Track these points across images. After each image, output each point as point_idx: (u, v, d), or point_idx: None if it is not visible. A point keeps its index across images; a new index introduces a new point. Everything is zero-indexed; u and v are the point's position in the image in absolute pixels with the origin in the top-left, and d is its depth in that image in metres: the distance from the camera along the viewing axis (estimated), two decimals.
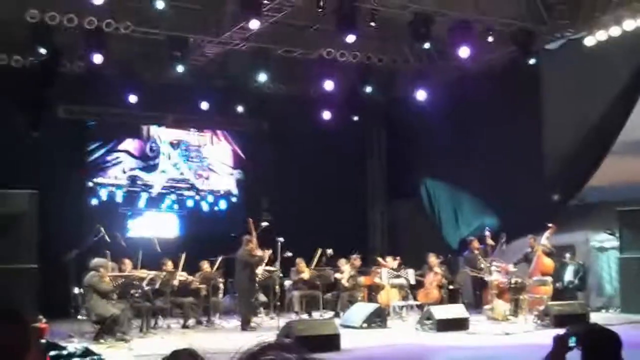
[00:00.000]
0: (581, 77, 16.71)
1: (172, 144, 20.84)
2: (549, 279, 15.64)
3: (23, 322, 2.69)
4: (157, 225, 19.81)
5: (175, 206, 20.79)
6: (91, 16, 14.33)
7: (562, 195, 17.48)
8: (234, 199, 21.22)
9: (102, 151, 19.66)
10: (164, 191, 20.64)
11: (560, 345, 3.91)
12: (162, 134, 20.66)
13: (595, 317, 13.91)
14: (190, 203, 20.91)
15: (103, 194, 19.78)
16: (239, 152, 21.29)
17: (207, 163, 21.31)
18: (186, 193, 20.94)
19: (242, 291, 14.86)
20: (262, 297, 16.16)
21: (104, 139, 19.65)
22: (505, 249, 15.88)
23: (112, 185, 19.99)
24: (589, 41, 15.76)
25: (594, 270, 17.32)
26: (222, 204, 21.32)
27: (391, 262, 17.16)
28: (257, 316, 15.61)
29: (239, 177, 21.32)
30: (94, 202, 19.29)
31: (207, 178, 21.24)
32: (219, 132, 21.28)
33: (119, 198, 19.95)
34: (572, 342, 3.87)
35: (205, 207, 21.06)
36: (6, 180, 14.00)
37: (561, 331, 4.00)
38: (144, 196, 20.34)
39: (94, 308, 12.56)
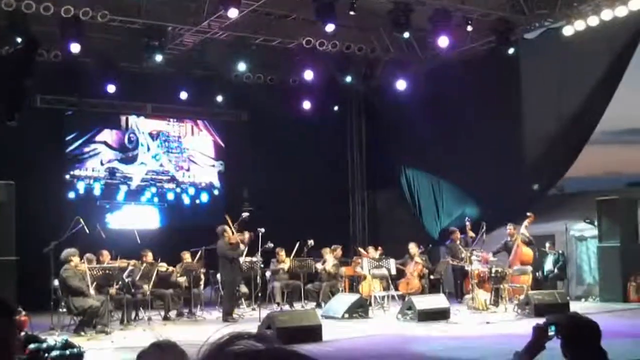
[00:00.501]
0: (560, 66, 16.78)
1: (151, 135, 20.27)
2: (529, 268, 15.72)
3: (12, 313, 2.62)
4: (137, 217, 19.41)
5: (156, 199, 20.20)
6: (68, 4, 14.17)
7: (542, 184, 17.57)
8: (216, 192, 20.79)
9: (79, 142, 19.14)
10: (143, 184, 20.05)
11: (540, 334, 3.91)
12: (141, 125, 20.11)
13: (575, 306, 14.00)
14: (171, 196, 20.38)
15: (80, 186, 19.14)
16: (220, 142, 20.91)
17: (188, 154, 20.77)
18: (167, 185, 20.38)
19: (224, 283, 14.80)
20: (244, 289, 16.12)
21: (80, 130, 19.13)
22: (485, 238, 15.93)
23: (90, 177, 19.36)
24: (568, 31, 15.80)
25: (573, 260, 17.45)
26: (204, 197, 20.82)
27: (373, 252, 17.17)
28: (238, 307, 15.57)
29: (220, 168, 20.88)
30: (71, 195, 18.80)
31: (187, 170, 20.72)
32: (199, 122, 20.83)
33: (97, 191, 19.35)
34: (551, 330, 3.87)
35: (186, 200, 20.58)
36: None
37: (541, 320, 4.00)
38: (123, 189, 19.75)
39: (72, 300, 12.48)
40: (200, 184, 20.84)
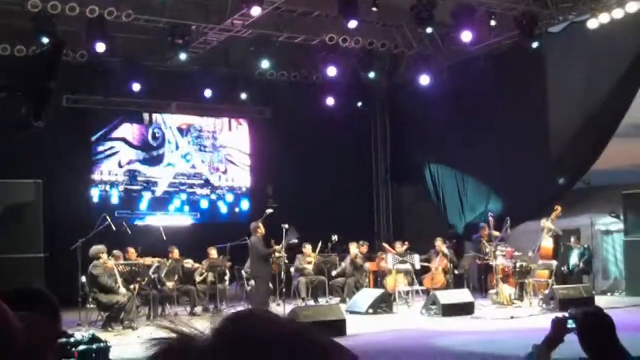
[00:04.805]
0: (585, 60, 16.69)
1: (180, 130, 18.00)
2: (554, 262, 15.66)
3: (54, 311, 2.58)
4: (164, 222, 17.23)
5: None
6: (93, 5, 14.34)
7: (568, 178, 17.47)
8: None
9: (96, 136, 17.06)
10: (171, 189, 17.59)
11: (558, 327, 3.93)
12: (167, 118, 18.00)
13: (601, 301, 13.92)
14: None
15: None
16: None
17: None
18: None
19: (257, 278, 14.76)
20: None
21: (99, 125, 16.93)
22: (510, 233, 15.88)
23: (106, 182, 16.74)
24: (592, 24, 15.70)
25: (599, 254, 17.34)
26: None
27: (400, 247, 17.18)
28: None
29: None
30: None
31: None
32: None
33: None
34: (570, 324, 3.89)
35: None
36: (10, 171, 14.06)
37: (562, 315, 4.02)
38: (146, 196, 17.22)
39: (100, 296, 12.66)
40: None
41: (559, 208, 15.83)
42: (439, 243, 17.02)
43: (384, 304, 14.55)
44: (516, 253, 15.56)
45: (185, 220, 18.27)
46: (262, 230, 14.57)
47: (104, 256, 12.94)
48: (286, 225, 14.10)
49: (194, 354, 0.95)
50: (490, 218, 16.31)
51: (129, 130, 17.44)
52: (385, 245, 17.59)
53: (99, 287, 12.69)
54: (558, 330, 3.94)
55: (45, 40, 14.69)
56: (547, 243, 15.80)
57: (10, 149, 15.72)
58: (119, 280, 13.06)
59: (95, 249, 12.98)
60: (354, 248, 17.04)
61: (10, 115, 15.95)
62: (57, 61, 15.65)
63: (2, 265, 12.77)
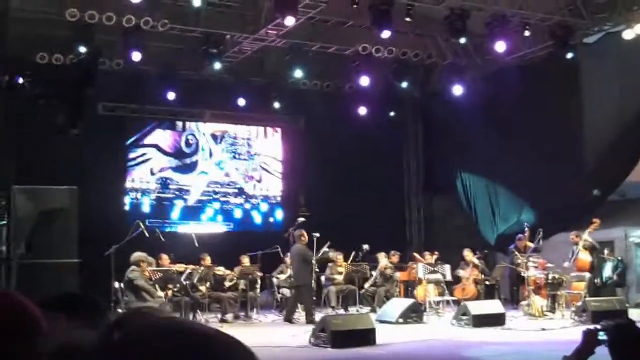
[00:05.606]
0: (620, 71, 16.54)
1: (214, 137, 17.81)
2: (587, 275, 15.49)
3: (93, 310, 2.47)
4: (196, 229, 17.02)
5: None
6: (129, 14, 14.56)
7: (602, 190, 17.29)
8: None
9: (129, 141, 16.79)
10: (204, 198, 17.31)
11: (589, 339, 3.92)
12: (201, 125, 17.84)
13: (634, 314, 13.75)
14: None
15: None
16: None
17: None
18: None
19: (305, 285, 14.70)
20: None
21: (131, 133, 16.55)
22: (542, 244, 15.76)
23: (137, 190, 16.51)
24: (628, 34, 15.56)
25: (633, 266, 17.14)
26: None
27: (429, 257, 17.15)
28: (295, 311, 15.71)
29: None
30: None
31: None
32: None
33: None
34: (601, 336, 3.88)
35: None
36: (46, 177, 14.27)
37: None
38: (178, 204, 16.91)
39: (135, 303, 12.80)
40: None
41: (597, 221, 15.62)
42: (467, 253, 16.96)
43: (414, 313, 14.51)
44: (549, 265, 15.45)
45: (218, 228, 18.31)
46: (306, 237, 14.64)
47: (144, 265, 13.11)
48: (317, 235, 14.17)
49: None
50: (526, 229, 16.20)
51: (161, 136, 17.35)
52: (416, 255, 17.56)
53: (135, 291, 12.82)
54: (589, 343, 3.93)
55: (82, 49, 14.93)
56: (585, 256, 15.62)
57: (47, 155, 15.98)
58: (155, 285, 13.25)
59: (136, 255, 13.17)
60: (382, 258, 17.05)
61: (48, 123, 16.36)
62: (94, 70, 15.98)
63: (37, 270, 12.94)
